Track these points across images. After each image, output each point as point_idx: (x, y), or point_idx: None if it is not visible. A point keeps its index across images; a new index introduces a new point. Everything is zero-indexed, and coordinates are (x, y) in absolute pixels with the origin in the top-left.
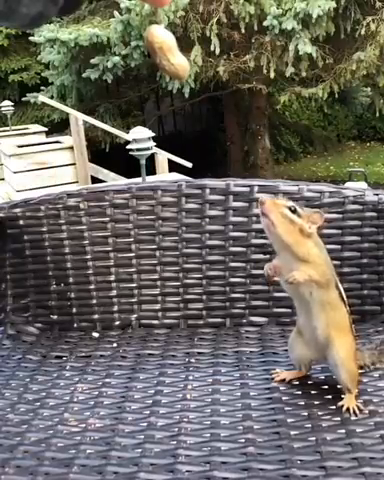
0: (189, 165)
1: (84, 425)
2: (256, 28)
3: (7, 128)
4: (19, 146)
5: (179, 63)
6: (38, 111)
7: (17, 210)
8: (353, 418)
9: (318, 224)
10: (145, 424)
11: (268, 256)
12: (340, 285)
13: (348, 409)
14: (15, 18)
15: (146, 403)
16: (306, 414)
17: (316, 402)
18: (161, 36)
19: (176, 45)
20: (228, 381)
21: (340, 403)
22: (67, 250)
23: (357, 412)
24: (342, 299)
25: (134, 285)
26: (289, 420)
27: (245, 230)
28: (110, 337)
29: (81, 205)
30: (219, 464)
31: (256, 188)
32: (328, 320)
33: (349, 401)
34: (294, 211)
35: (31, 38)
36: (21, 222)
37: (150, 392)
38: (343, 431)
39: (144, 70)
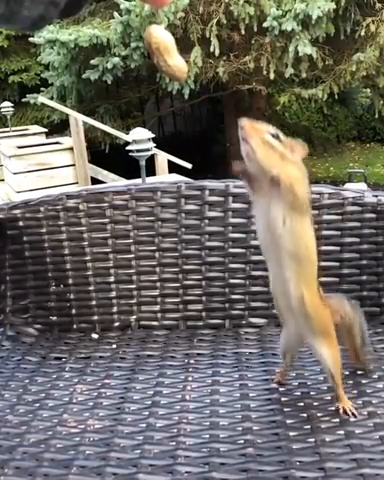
0: (189, 166)
1: (83, 426)
2: (256, 29)
3: (7, 129)
4: (19, 147)
5: (175, 64)
6: (38, 112)
7: (17, 211)
8: (352, 420)
9: (301, 154)
10: (144, 425)
11: None
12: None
13: (345, 411)
14: (16, 20)
15: (145, 404)
16: (305, 415)
17: (315, 403)
18: (159, 36)
19: (174, 46)
20: (227, 382)
21: (336, 405)
22: (67, 251)
23: (354, 412)
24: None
25: (133, 286)
26: (288, 421)
27: (245, 231)
28: (109, 338)
29: (81, 206)
30: (218, 465)
31: None
32: (299, 271)
33: (342, 400)
34: (276, 137)
35: (31, 39)
36: (21, 223)
37: (149, 393)
38: (342, 432)
39: (144, 71)
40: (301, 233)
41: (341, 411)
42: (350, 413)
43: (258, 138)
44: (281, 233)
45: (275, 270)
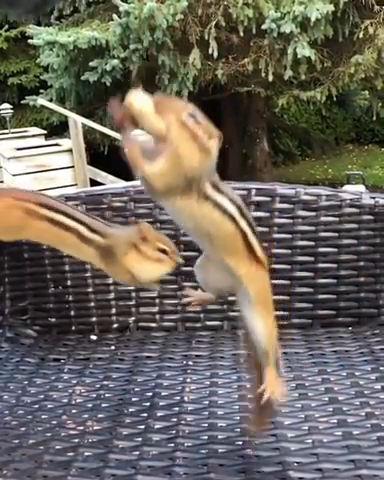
0: None
1: (82, 428)
2: (255, 31)
3: (6, 131)
4: (18, 149)
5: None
6: (37, 114)
7: None
8: (350, 420)
9: (216, 140)
10: (143, 427)
11: None
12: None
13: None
14: (20, 4)
15: (144, 406)
16: (303, 416)
17: (313, 404)
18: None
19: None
20: (226, 383)
21: (262, 388)
22: (65, 253)
23: (281, 401)
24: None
25: (132, 288)
26: (286, 422)
27: None
28: (108, 340)
29: (80, 208)
30: (217, 466)
31: (254, 191)
32: (212, 241)
33: (270, 384)
34: (193, 117)
35: (30, 41)
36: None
37: (148, 395)
38: (340, 433)
39: (143, 73)
40: (195, 214)
41: (265, 397)
42: (275, 402)
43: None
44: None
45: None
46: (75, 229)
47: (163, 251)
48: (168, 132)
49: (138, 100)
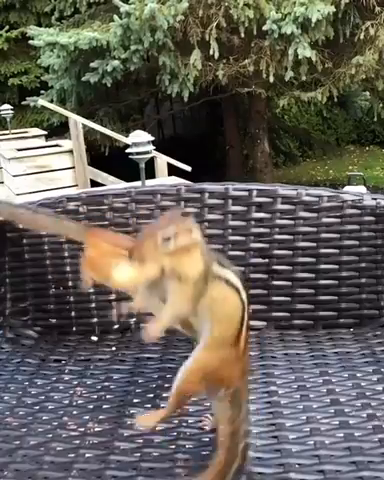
0: (188, 169)
1: (83, 429)
2: (255, 32)
3: (7, 132)
4: (19, 150)
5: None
6: (37, 115)
7: None
8: (351, 422)
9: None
10: (144, 428)
11: (267, 260)
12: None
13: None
14: None
15: (145, 407)
16: (304, 418)
17: (314, 406)
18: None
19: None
20: None
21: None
22: (66, 254)
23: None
24: None
25: None
26: (287, 424)
27: (244, 234)
28: (109, 341)
29: (80, 209)
30: None
31: (255, 192)
32: (214, 314)
33: (148, 417)
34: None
35: (31, 42)
36: (21, 225)
37: (149, 396)
38: (341, 435)
39: (143, 74)
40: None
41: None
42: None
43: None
44: None
45: None
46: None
47: None
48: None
49: (121, 280)
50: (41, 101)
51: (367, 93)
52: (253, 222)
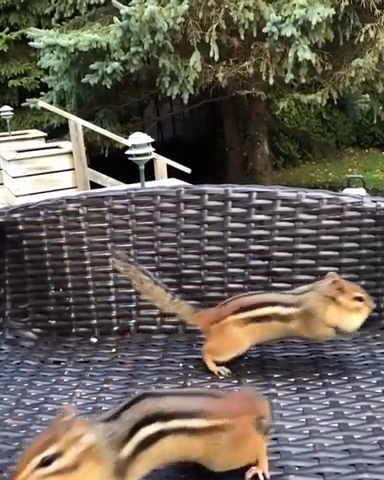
0: (188, 171)
1: None
2: (255, 35)
3: (6, 133)
4: (18, 151)
5: None
6: (37, 116)
7: (16, 215)
8: (351, 424)
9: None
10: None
11: (266, 262)
12: None
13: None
14: None
15: None
16: (304, 420)
17: (314, 408)
18: None
19: None
20: (226, 387)
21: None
22: (66, 255)
23: None
24: None
25: (132, 290)
26: (287, 426)
27: (244, 236)
28: (108, 342)
29: (80, 210)
30: None
31: (255, 194)
32: None
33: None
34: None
35: (31, 43)
36: (20, 227)
37: None
38: (341, 437)
39: (143, 76)
40: None
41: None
42: None
43: None
44: None
45: None
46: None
47: (359, 299)
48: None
49: None
50: (41, 103)
51: (367, 95)
52: (253, 224)
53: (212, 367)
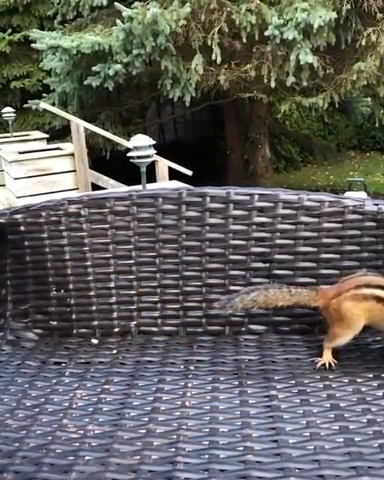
0: (189, 173)
1: (83, 431)
2: (257, 38)
3: (8, 134)
4: (20, 152)
5: None
6: (39, 118)
7: (18, 216)
8: (352, 427)
9: None
10: (144, 431)
11: (268, 264)
12: None
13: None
14: None
15: (145, 410)
16: (304, 422)
17: (314, 410)
18: None
19: None
20: (227, 389)
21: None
22: (67, 256)
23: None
24: None
25: (134, 292)
26: (288, 428)
27: (245, 238)
28: (109, 344)
29: (82, 212)
30: (217, 472)
31: (256, 197)
32: None
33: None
34: None
35: (33, 45)
36: (22, 228)
37: (149, 399)
38: (342, 440)
39: (145, 78)
40: None
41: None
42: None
43: None
44: None
45: None
46: None
47: None
48: None
49: None
50: (43, 104)
51: (368, 99)
52: (254, 226)
53: (329, 357)
